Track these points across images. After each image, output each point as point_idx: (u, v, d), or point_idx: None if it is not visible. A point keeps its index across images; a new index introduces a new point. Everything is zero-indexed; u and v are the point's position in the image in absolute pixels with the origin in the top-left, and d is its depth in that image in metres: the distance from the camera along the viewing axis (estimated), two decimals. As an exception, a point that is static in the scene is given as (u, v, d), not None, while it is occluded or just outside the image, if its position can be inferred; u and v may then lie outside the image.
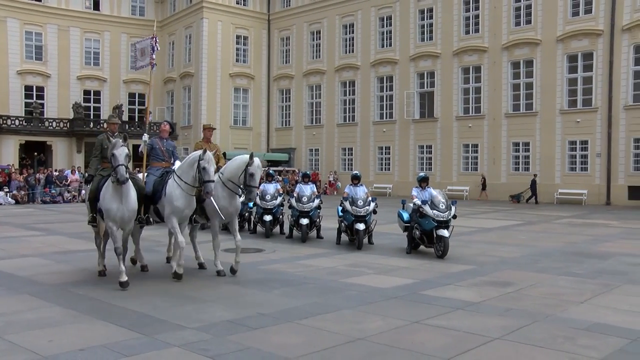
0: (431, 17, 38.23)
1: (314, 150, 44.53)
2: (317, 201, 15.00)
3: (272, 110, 47.03)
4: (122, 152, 8.70)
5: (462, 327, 6.69)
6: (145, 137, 10.77)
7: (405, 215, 13.22)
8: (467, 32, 36.67)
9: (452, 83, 37.03)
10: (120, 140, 8.93)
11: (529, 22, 34.10)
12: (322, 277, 10.04)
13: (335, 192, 38.07)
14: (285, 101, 46.67)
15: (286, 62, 46.24)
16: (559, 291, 8.83)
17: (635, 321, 7.12)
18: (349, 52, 42.36)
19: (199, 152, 9.51)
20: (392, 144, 39.93)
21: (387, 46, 40.43)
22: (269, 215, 15.63)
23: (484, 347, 5.97)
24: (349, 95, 42.53)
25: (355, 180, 14.46)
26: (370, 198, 14.04)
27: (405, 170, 38.48)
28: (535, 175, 32.26)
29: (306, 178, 16.00)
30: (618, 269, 10.90)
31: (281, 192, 16.34)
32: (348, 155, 42.54)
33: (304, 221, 14.58)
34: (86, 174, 9.17)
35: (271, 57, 46.82)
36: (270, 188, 15.93)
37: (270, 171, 17.70)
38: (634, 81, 30.62)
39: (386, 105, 40.66)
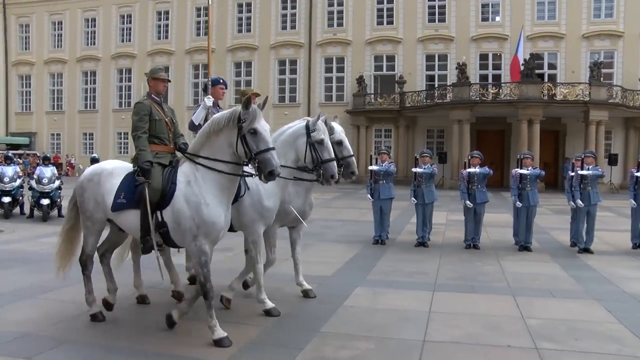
0: (167, 19, 37.48)
1: (55, 135, 40.65)
2: (57, 182, 14.12)
3: (10, 95, 41.79)
4: (267, 128, 4.85)
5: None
6: (209, 100, 6.68)
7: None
8: (198, 35, 36.70)
9: (183, 77, 36.83)
10: (258, 107, 4.86)
11: (293, 27, 35.12)
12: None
13: (77, 175, 35.52)
14: (26, 87, 41.78)
15: (26, 49, 41.35)
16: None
17: (322, 269, 7.89)
18: (91, 44, 39.44)
19: (300, 121, 5.87)
20: (130, 129, 38.17)
21: (126, 41, 38.57)
22: (8, 197, 14.08)
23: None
24: (90, 84, 39.66)
25: (46, 161, 14.73)
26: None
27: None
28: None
29: (47, 161, 14.98)
30: (314, 231, 11.71)
31: (21, 174, 14.82)
32: (89, 139, 39.78)
33: (45, 201, 13.73)
34: (138, 163, 5.17)
35: (8, 42, 41.50)
36: (9, 171, 14.32)
37: (9, 154, 16.11)
38: (325, 84, 33.06)
39: (125, 94, 38.79)
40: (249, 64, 35.98)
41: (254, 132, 4.67)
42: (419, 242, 10.66)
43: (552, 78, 30.89)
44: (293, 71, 35.16)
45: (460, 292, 7.00)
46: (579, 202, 10.14)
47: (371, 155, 11.38)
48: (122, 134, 38.36)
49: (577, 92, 27.21)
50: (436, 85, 31.95)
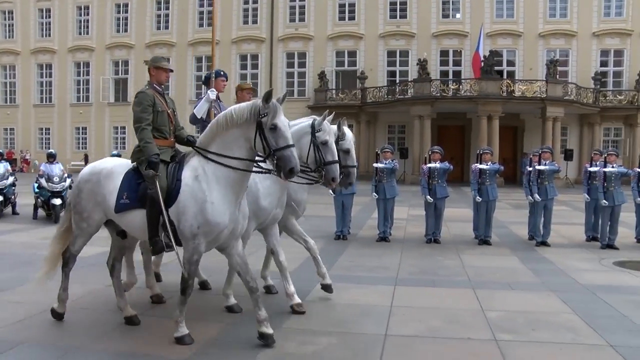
0: (126, 12, 36.84)
1: (9, 130, 39.44)
2: (11, 179, 13.42)
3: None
4: (287, 124, 4.67)
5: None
6: (212, 93, 6.52)
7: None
8: (159, 28, 36.26)
9: (144, 71, 35.90)
10: (278, 102, 4.59)
11: (255, 22, 34.98)
12: (17, 251, 9.00)
13: (32, 170, 34.53)
14: (-24, 80, 40.43)
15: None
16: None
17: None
18: (46, 35, 38.34)
19: (308, 119, 5.63)
20: (89, 124, 37.61)
21: (84, 34, 37.70)
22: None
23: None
24: (46, 77, 38.58)
25: (51, 158, 13.37)
26: (66, 175, 13.25)
27: (101, 149, 36.41)
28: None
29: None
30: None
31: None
32: (45, 134, 38.69)
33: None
34: (144, 158, 4.85)
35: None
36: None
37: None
38: (286, 80, 33.12)
39: (83, 89, 38.00)
40: (209, 59, 35.57)
41: (274, 128, 4.45)
42: (381, 237, 10.74)
43: (510, 75, 31.52)
44: (254, 66, 34.96)
45: (421, 286, 7.08)
46: (537, 196, 10.37)
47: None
48: (80, 128, 37.54)
49: (535, 89, 27.84)
50: (397, 81, 32.22)
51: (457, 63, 32.92)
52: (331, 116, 5.62)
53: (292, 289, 5.85)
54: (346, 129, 5.94)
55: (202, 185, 4.64)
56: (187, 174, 4.74)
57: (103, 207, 5.04)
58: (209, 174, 4.67)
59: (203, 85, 6.94)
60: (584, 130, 31.39)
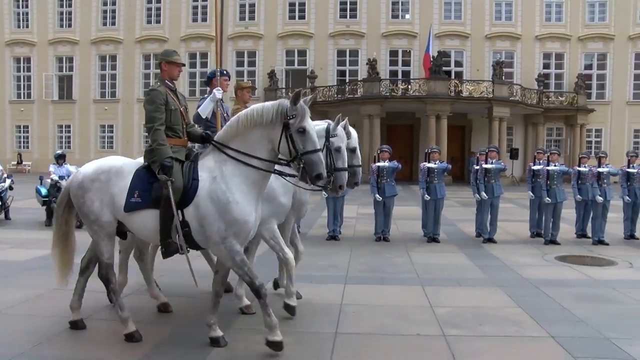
0: (70, 6, 35.68)
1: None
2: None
3: None
4: (314, 127, 4.62)
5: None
6: (219, 92, 6.27)
7: (44, 191, 12.30)
8: (105, 24, 35.40)
9: (89, 68, 35.32)
10: (305, 103, 4.49)
11: (204, 20, 34.39)
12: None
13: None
14: None
15: None
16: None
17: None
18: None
19: (323, 122, 5.41)
20: (30, 123, 36.26)
21: (24, 27, 36.27)
22: None
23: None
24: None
25: (61, 159, 12.72)
26: (5, 175, 12.73)
27: (45, 148, 35.27)
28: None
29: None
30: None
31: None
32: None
33: None
34: (159, 159, 4.60)
35: None
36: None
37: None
38: (236, 79, 32.95)
39: (24, 85, 36.60)
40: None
41: (303, 131, 4.31)
42: (330, 236, 10.79)
43: (458, 75, 32.14)
44: (204, 64, 34.48)
45: (371, 284, 7.16)
46: (483, 194, 10.63)
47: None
48: (22, 127, 36.26)
49: (482, 89, 28.52)
50: (347, 81, 32.37)
51: (406, 63, 33.37)
52: (345, 121, 5.58)
53: (293, 289, 5.73)
54: (351, 128, 5.85)
55: (221, 186, 4.46)
56: (204, 176, 4.53)
57: (111, 207, 4.73)
58: (227, 173, 4.50)
59: (207, 85, 6.68)
60: (529, 130, 32.34)
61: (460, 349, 4.80)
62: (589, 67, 33.18)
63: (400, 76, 32.40)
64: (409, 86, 28.96)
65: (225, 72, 6.67)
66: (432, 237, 10.67)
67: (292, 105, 4.37)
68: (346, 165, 5.39)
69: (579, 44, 32.86)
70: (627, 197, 10.98)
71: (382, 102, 28.50)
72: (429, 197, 10.66)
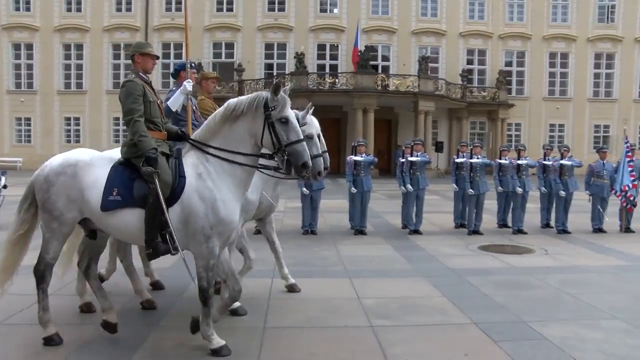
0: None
1: None
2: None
3: None
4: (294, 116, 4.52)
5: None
6: (189, 84, 5.81)
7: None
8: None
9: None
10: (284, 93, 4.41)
11: (129, 10, 33.44)
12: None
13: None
14: None
15: None
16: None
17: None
18: None
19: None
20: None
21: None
22: None
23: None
24: None
25: None
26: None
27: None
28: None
29: None
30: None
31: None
32: None
33: None
34: (142, 151, 4.37)
35: None
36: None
37: None
38: (162, 71, 32.41)
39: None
40: (79, 47, 33.67)
41: (285, 121, 4.24)
42: (258, 230, 10.69)
43: (385, 70, 32.71)
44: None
45: (298, 278, 7.13)
46: (409, 186, 10.87)
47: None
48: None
49: (408, 83, 29.12)
50: (275, 74, 32.29)
51: (334, 57, 33.61)
52: (312, 109, 5.68)
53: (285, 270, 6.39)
54: (312, 116, 5.86)
55: (207, 184, 4.34)
56: (189, 172, 4.39)
57: (79, 204, 4.45)
58: (212, 171, 4.38)
59: (172, 78, 6.42)
60: (453, 123, 33.34)
61: (387, 338, 4.89)
62: (509, 64, 34.60)
63: (327, 70, 32.62)
64: (337, 80, 29.21)
65: (193, 64, 6.41)
66: (359, 230, 10.81)
67: (272, 96, 4.27)
68: (320, 152, 5.46)
69: (500, 42, 34.20)
70: (544, 188, 11.52)
71: (309, 96, 28.49)
72: (356, 190, 10.79)
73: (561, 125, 34.75)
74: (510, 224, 11.46)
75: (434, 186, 18.70)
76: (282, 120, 4.26)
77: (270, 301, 6.07)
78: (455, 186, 11.52)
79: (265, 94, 4.33)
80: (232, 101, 4.48)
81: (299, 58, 29.51)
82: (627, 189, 11.32)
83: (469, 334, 5.08)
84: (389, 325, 5.27)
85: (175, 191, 4.33)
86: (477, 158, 11.15)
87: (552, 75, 34.71)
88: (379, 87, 28.61)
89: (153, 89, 4.86)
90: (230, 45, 33.71)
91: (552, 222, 11.61)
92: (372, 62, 30.81)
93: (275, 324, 5.29)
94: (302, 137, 4.33)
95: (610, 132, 34.39)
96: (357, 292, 6.49)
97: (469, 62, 34.27)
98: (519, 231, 11.01)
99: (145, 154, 4.35)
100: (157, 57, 5.02)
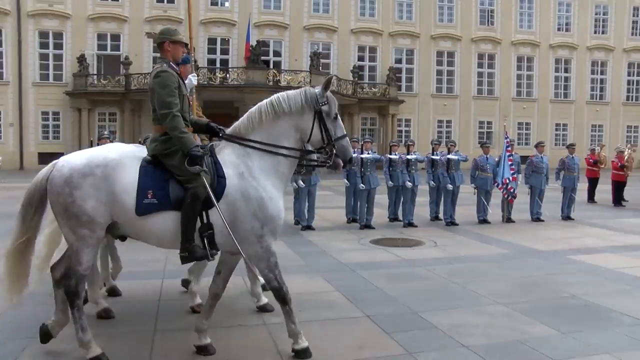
0: None
1: None
2: None
3: None
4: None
5: None
6: (194, 78, 5.56)
7: None
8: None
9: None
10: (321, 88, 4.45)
11: None
12: None
13: None
14: None
15: None
16: None
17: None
18: None
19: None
20: None
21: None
22: None
23: None
24: None
25: None
26: None
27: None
28: None
29: None
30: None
31: None
32: None
33: None
34: (185, 149, 3.99)
35: None
36: None
37: None
38: (40, 62, 30.87)
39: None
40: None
41: (335, 117, 4.41)
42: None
43: (277, 65, 32.76)
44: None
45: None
46: (301, 182, 10.96)
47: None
48: None
49: (300, 79, 29.34)
50: (164, 68, 31.35)
51: (224, 52, 33.17)
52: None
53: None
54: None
55: (252, 183, 4.20)
56: (229, 172, 4.19)
57: (110, 208, 4.05)
58: (255, 168, 4.26)
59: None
60: (345, 119, 33.89)
61: (282, 336, 4.88)
62: (399, 61, 35.80)
63: (218, 65, 32.20)
64: (228, 75, 28.94)
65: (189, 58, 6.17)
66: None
67: (323, 92, 4.37)
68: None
69: (390, 39, 35.32)
70: (432, 182, 12.05)
71: (199, 91, 28.01)
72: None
73: (448, 121, 36.49)
74: (401, 218, 11.88)
75: (326, 182, 19.01)
76: (334, 117, 4.41)
77: (160, 303, 5.90)
78: (346, 181, 11.75)
79: (314, 90, 4.41)
80: (280, 96, 4.48)
81: (189, 52, 28.82)
82: (507, 181, 12.08)
83: (362, 327, 5.22)
84: (283, 323, 5.24)
85: (215, 191, 4.10)
86: (368, 153, 11.45)
87: (439, 73, 36.34)
88: (271, 83, 28.62)
89: (183, 81, 4.54)
90: (116, 37, 32.20)
91: (441, 215, 12.16)
92: (263, 58, 30.75)
93: (166, 326, 5.17)
94: (345, 132, 4.51)
95: (493, 128, 36.65)
96: (250, 290, 6.44)
97: (360, 58, 35.09)
98: (410, 224, 11.43)
99: (190, 152, 4.07)
100: (187, 45, 4.80)
